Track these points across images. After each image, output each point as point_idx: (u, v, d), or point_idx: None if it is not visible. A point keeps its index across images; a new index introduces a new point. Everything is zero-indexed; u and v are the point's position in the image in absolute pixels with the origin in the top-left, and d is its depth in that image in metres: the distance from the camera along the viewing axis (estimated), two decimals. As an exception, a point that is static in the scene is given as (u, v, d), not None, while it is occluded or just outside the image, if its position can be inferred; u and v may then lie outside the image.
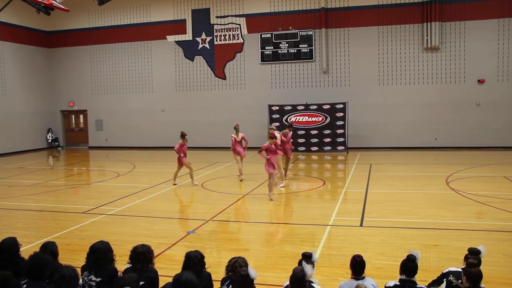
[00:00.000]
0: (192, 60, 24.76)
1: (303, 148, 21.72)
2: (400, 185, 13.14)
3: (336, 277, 6.03)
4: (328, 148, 21.63)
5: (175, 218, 9.87)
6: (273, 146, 11.71)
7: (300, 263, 4.46)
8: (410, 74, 21.77)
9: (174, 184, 13.80)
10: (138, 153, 23.67)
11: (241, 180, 14.45)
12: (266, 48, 23.35)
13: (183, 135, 13.78)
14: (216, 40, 24.28)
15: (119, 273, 4.54)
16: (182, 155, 13.54)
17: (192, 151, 23.63)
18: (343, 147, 21.38)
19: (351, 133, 21.69)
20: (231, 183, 14.12)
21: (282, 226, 9.27)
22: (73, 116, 27.82)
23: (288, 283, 4.15)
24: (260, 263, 6.72)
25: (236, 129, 14.71)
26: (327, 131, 21.59)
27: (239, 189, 13.11)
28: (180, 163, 13.66)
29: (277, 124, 19.68)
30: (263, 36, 23.34)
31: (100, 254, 4.52)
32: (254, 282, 4.07)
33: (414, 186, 12.98)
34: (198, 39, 24.54)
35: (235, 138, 14.61)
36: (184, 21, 24.70)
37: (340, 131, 21.42)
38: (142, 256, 4.53)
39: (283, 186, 13.12)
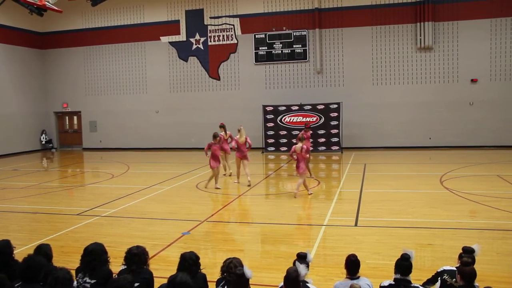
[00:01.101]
0: (186, 61, 24.73)
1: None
2: (394, 184, 13.18)
3: (331, 277, 6.04)
4: (323, 148, 21.66)
5: (170, 219, 9.85)
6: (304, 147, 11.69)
7: (295, 263, 4.47)
8: (404, 74, 21.86)
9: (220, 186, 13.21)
10: (133, 154, 23.61)
11: (229, 175, 15.03)
12: (260, 48, 23.36)
13: (214, 136, 13.16)
14: (210, 41, 24.26)
15: (113, 275, 4.53)
16: (208, 155, 13.15)
17: (186, 152, 23.69)
18: (338, 147, 21.42)
19: (345, 133, 21.74)
20: (226, 184, 14.11)
21: (277, 226, 9.27)
22: (67, 117, 27.70)
23: (283, 283, 4.15)
24: (255, 264, 6.72)
25: (224, 127, 15.01)
26: (322, 131, 21.61)
27: (233, 189, 13.10)
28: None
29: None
30: (257, 36, 23.35)
31: (94, 256, 4.51)
32: (249, 282, 4.08)
33: (409, 185, 13.03)
34: (192, 40, 24.51)
35: (223, 136, 14.83)
36: (177, 22, 24.66)
37: (334, 131, 21.47)
38: (137, 258, 4.52)
39: (237, 182, 13.73)
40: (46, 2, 18.69)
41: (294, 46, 22.90)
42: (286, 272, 4.03)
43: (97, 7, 23.93)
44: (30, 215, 10.74)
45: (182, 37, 24.68)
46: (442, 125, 21.51)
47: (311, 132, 14.98)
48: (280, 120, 22.22)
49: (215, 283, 4.49)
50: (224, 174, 15.37)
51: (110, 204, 11.42)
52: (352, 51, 22.35)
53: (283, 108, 22.23)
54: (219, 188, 13.05)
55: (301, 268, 4.04)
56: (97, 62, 26.26)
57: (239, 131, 13.80)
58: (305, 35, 22.69)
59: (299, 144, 11.73)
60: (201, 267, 4.61)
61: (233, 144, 13.64)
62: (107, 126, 26.31)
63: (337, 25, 22.45)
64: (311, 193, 12.04)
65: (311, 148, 20.50)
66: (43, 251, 4.77)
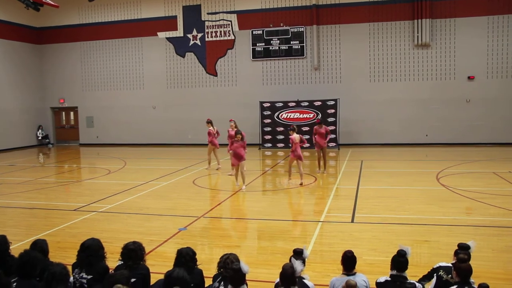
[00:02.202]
0: (183, 57, 24.68)
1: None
2: (391, 181, 13.22)
3: (328, 273, 6.06)
4: (320, 144, 21.63)
5: (167, 215, 9.85)
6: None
7: (291, 259, 4.48)
8: (401, 70, 21.87)
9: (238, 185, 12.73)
10: (129, 150, 23.57)
11: (217, 169, 15.68)
12: (257, 44, 23.32)
13: (236, 133, 12.70)
14: (207, 37, 24.21)
15: (110, 270, 4.53)
16: (230, 152, 12.97)
17: (183, 148, 23.67)
18: (335, 144, 21.43)
19: (342, 130, 21.77)
20: (223, 180, 14.12)
21: (273, 222, 9.28)
22: (63, 113, 27.63)
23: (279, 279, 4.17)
24: (251, 260, 6.72)
25: (211, 123, 15.83)
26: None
27: (230, 185, 13.10)
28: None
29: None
30: (254, 32, 23.30)
31: (91, 251, 4.50)
32: (246, 277, 4.08)
33: (405, 182, 13.07)
34: (189, 36, 24.45)
35: (212, 131, 15.75)
36: (175, 17, 24.59)
37: (331, 127, 21.42)
38: (134, 253, 4.52)
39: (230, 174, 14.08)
40: (43, -3, 18.62)
41: (291, 42, 22.87)
42: (282, 268, 4.03)
43: (93, 2, 23.93)
44: (27, 211, 10.71)
45: (179, 32, 24.61)
46: (439, 122, 21.56)
47: (324, 125, 15.04)
48: (277, 116, 22.22)
49: (211, 278, 4.49)
50: (217, 169, 15.91)
51: (107, 199, 11.41)
52: (349, 47, 22.35)
53: (280, 104, 22.23)
54: (239, 185, 12.66)
55: (297, 264, 4.05)
56: (94, 58, 26.18)
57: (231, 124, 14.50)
58: (303, 31, 22.67)
59: (296, 135, 12.82)
60: (198, 263, 4.62)
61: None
62: (104, 121, 26.26)
63: (335, 22, 22.43)
64: (290, 179, 13.16)
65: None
66: (39, 247, 4.77)
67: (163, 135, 25.06)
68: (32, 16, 24.68)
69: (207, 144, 16.18)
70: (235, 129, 13.47)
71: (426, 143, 21.63)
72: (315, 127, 15.17)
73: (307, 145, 15.28)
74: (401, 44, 21.76)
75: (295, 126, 13.35)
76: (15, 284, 4.08)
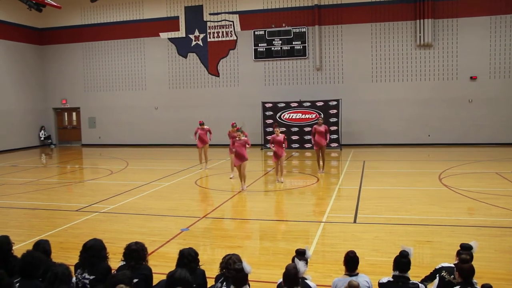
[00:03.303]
0: (185, 57, 24.70)
1: (296, 145, 21.75)
2: (393, 181, 13.20)
3: (330, 274, 6.06)
4: (322, 145, 21.61)
5: (169, 215, 9.85)
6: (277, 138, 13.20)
7: (293, 260, 4.47)
8: (403, 71, 21.85)
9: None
10: (131, 151, 23.59)
11: (206, 168, 16.23)
12: (259, 45, 23.32)
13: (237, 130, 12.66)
14: (209, 37, 24.22)
15: (112, 271, 4.54)
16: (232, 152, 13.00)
17: (185, 148, 23.68)
18: (337, 144, 21.42)
19: (344, 130, 21.74)
20: (225, 180, 14.11)
21: (275, 223, 9.28)
22: (65, 113, 27.67)
23: (281, 280, 4.16)
24: (253, 260, 6.72)
25: (203, 124, 16.57)
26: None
27: (232, 186, 13.10)
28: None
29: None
30: (256, 33, 23.30)
31: (93, 252, 4.51)
32: (248, 278, 4.08)
33: (407, 182, 13.06)
34: (191, 36, 24.47)
35: (207, 129, 16.53)
36: (177, 18, 24.62)
37: (333, 128, 21.46)
38: (136, 254, 4.52)
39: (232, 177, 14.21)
40: (45, -2, 18.65)
41: (293, 42, 22.87)
42: (285, 269, 4.03)
43: (96, 3, 23.97)
44: (29, 211, 10.73)
45: (181, 33, 24.63)
46: (441, 122, 21.53)
47: (323, 124, 14.91)
48: (279, 117, 22.21)
49: (214, 279, 4.50)
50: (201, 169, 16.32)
51: (109, 200, 11.42)
52: (351, 48, 22.33)
53: (283, 105, 22.23)
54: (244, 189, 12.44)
55: (300, 265, 4.04)
56: (96, 58, 26.22)
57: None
58: (305, 31, 22.66)
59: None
60: (200, 264, 4.62)
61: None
62: (106, 122, 26.30)
63: (337, 22, 22.42)
64: (276, 178, 13.52)
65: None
66: (42, 247, 4.78)
67: (165, 135, 25.08)
68: (35, 17, 24.73)
69: (209, 145, 16.40)
70: (236, 128, 13.07)
71: (428, 143, 21.59)
72: (314, 126, 15.08)
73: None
74: (403, 44, 21.74)
75: (274, 127, 13.91)
76: (17, 284, 4.09)
